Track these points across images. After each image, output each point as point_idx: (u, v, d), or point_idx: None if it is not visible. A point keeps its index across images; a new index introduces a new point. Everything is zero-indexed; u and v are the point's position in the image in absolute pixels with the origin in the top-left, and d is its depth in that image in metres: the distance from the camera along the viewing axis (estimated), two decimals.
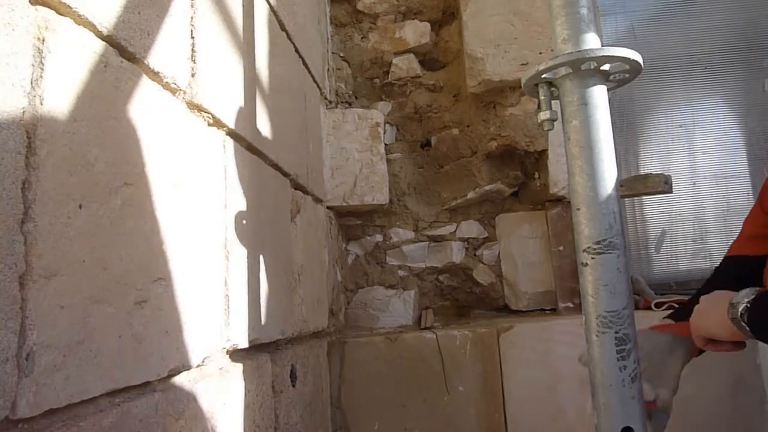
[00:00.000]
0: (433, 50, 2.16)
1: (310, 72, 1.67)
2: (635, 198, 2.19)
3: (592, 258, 0.80)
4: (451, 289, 2.11)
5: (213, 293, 0.92)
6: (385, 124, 2.07)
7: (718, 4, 2.29)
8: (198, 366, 0.86)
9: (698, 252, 2.21)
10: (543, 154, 1.94)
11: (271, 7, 1.31)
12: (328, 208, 1.85)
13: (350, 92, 2.14)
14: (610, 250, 0.80)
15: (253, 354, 1.09)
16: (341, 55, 2.15)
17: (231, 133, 1.03)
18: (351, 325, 2.01)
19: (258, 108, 1.16)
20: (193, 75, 0.88)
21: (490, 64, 1.92)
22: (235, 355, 1.01)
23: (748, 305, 0.84)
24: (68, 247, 0.59)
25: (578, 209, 0.83)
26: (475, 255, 2.08)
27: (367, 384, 1.70)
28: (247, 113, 1.11)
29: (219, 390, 0.91)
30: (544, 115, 0.88)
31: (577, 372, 1.61)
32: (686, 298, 1.10)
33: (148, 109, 0.76)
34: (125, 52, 0.71)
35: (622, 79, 0.89)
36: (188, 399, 0.81)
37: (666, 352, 1.02)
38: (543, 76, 0.88)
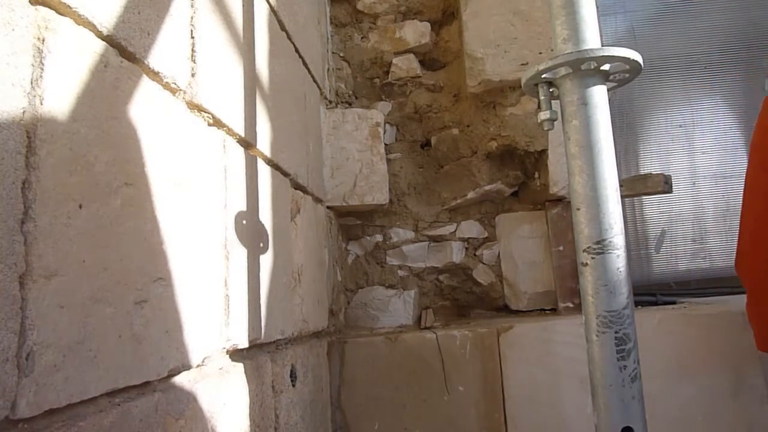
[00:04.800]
0: (433, 50, 2.16)
1: (310, 72, 1.67)
2: (635, 198, 2.19)
3: (592, 258, 0.80)
4: (451, 289, 2.11)
5: (213, 293, 0.92)
6: (385, 124, 2.07)
7: (718, 4, 2.30)
8: (198, 366, 0.86)
9: (698, 252, 2.21)
10: (543, 154, 1.94)
11: (271, 7, 1.31)
12: (328, 208, 1.85)
13: (350, 92, 2.14)
14: (610, 250, 0.80)
15: (253, 354, 1.09)
16: (341, 55, 2.15)
17: (231, 133, 1.03)
18: (351, 325, 2.01)
19: (258, 108, 1.16)
20: (193, 75, 0.88)
21: (490, 64, 1.92)
22: (235, 355, 1.01)
23: None
24: (68, 247, 0.59)
25: (578, 209, 0.83)
26: (475, 255, 2.08)
27: (367, 384, 1.70)
28: (247, 113, 1.11)
29: (219, 390, 0.91)
30: (544, 115, 0.89)
31: (577, 372, 1.61)
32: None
33: (148, 109, 0.76)
34: (125, 52, 0.71)
35: (622, 79, 0.90)
36: (188, 399, 0.81)
37: None
38: (543, 76, 0.88)
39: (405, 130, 2.15)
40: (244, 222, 1.06)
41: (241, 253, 1.04)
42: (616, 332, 0.78)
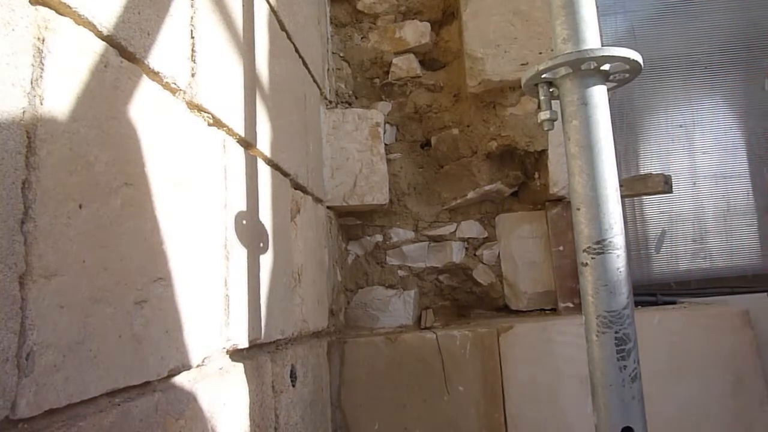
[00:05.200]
0: (433, 50, 2.16)
1: (310, 72, 1.67)
2: (635, 198, 2.19)
3: (592, 258, 0.80)
4: (451, 289, 2.11)
5: (213, 293, 0.92)
6: (385, 124, 2.07)
7: (718, 4, 2.30)
8: (198, 366, 0.86)
9: (698, 252, 2.21)
10: (543, 154, 1.94)
11: (271, 7, 1.31)
12: (328, 208, 1.85)
13: (350, 92, 2.14)
14: (610, 250, 0.80)
15: (253, 354, 1.09)
16: (341, 55, 2.15)
17: (231, 133, 1.03)
18: (351, 325, 2.01)
19: (258, 108, 1.16)
20: (193, 75, 0.88)
21: (490, 64, 1.92)
22: (235, 355, 1.01)
23: None
24: (68, 247, 0.59)
25: (578, 209, 0.83)
26: (475, 255, 2.08)
27: (367, 384, 1.70)
28: (247, 113, 1.11)
29: (219, 390, 0.91)
30: (544, 115, 0.89)
31: (577, 372, 1.61)
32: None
33: (148, 109, 0.76)
34: (125, 52, 0.71)
35: (622, 79, 0.89)
36: (188, 399, 0.81)
37: None
38: (543, 76, 0.88)
39: (405, 130, 2.15)
40: (244, 222, 1.06)
41: (241, 253, 1.04)
42: (616, 332, 0.78)
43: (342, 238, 2.06)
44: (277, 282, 1.22)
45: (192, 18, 0.89)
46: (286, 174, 1.34)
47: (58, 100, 0.59)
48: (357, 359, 1.71)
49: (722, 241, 2.20)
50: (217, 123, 0.97)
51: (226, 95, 1.01)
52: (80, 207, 0.61)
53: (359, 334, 1.86)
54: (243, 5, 1.13)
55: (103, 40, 0.67)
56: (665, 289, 2.15)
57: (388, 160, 2.02)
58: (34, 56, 0.56)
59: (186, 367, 0.82)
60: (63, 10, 0.60)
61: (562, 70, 0.86)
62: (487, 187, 2.01)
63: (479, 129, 2.01)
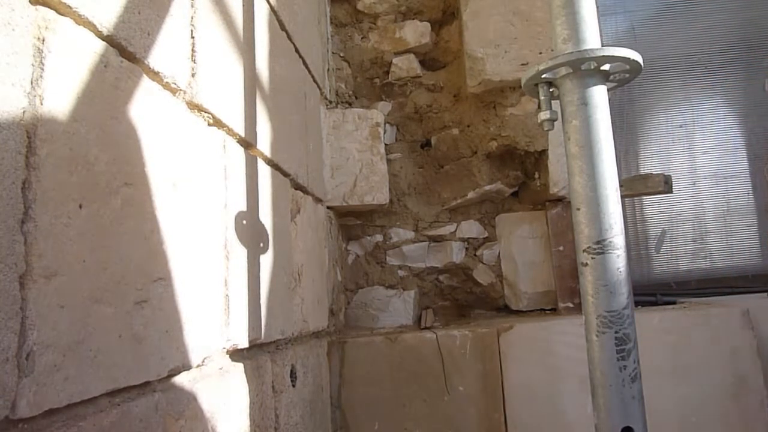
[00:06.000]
0: (433, 50, 2.16)
1: (310, 72, 1.67)
2: (635, 198, 2.19)
3: (592, 258, 0.80)
4: (451, 289, 2.11)
5: (213, 293, 0.92)
6: (385, 124, 2.07)
7: (718, 4, 2.30)
8: (198, 366, 0.86)
9: (698, 252, 2.21)
10: (543, 154, 1.94)
11: (271, 7, 1.31)
12: (328, 208, 1.86)
13: (350, 92, 2.14)
14: (610, 250, 0.80)
15: (253, 354, 1.09)
16: (341, 55, 2.15)
17: (231, 133, 1.03)
18: (351, 325, 2.01)
19: (258, 108, 1.16)
20: (193, 75, 0.88)
21: (490, 64, 1.92)
22: (235, 355, 1.01)
23: None
24: (68, 247, 0.59)
25: (578, 209, 0.83)
26: (475, 255, 2.08)
27: (367, 384, 1.70)
28: (247, 113, 1.11)
29: (219, 390, 0.91)
30: (544, 115, 0.89)
31: (577, 372, 1.61)
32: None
33: (148, 109, 0.76)
34: (125, 52, 0.71)
35: (622, 79, 0.90)
36: (188, 399, 0.81)
37: None
38: (543, 76, 0.88)
39: (405, 130, 2.15)
40: (244, 222, 1.06)
41: (241, 253, 1.04)
42: (616, 332, 0.78)
43: (342, 238, 2.06)
44: (277, 282, 1.22)
45: (192, 18, 0.89)
46: (286, 174, 1.34)
47: (58, 100, 0.59)
48: (357, 359, 1.71)
49: (722, 241, 2.20)
50: (217, 123, 0.97)
51: (227, 95, 1.01)
52: (80, 207, 0.61)
53: (359, 334, 1.86)
54: (243, 5, 1.13)
55: (103, 40, 0.67)
56: (665, 289, 2.15)
57: (388, 160, 2.02)
58: (34, 56, 0.56)
59: (186, 367, 0.82)
60: (63, 10, 0.60)
61: (562, 70, 0.86)
62: (487, 187, 2.01)
63: (479, 129, 2.01)
